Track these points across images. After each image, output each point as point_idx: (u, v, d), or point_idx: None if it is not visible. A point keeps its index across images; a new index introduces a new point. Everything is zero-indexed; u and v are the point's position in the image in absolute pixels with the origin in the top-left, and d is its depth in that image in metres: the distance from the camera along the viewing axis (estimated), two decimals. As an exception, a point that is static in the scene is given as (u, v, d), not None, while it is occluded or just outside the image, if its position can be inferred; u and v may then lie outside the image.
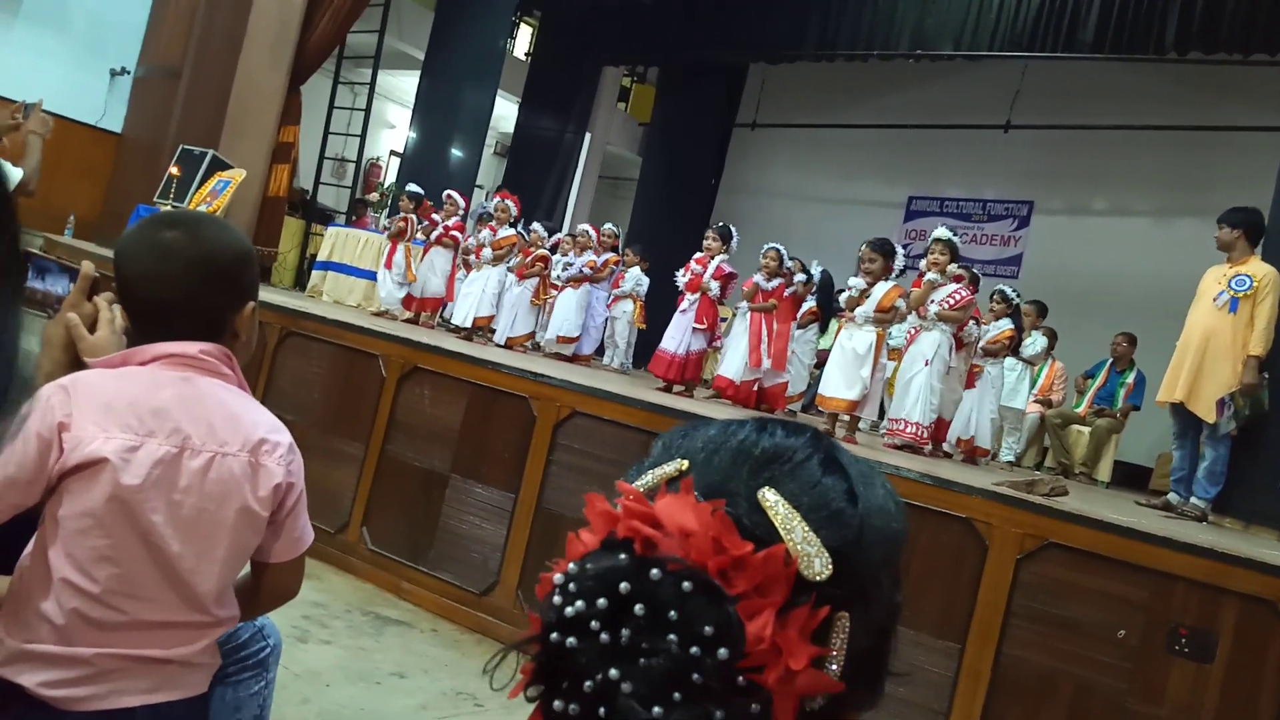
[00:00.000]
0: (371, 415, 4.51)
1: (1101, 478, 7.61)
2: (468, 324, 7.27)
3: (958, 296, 5.39)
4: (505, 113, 12.51)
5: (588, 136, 13.12)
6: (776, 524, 0.55)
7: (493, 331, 7.48)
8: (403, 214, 7.72)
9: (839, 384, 5.03)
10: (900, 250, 5.35)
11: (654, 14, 11.33)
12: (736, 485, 0.58)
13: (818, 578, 0.55)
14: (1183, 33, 8.37)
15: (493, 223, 7.62)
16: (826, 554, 0.55)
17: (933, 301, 5.41)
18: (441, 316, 7.99)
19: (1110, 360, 8.12)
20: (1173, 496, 5.13)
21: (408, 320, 7.40)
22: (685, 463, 0.60)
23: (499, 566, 4.06)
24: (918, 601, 3.28)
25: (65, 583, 1.31)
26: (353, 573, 4.37)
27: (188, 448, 1.37)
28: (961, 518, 3.33)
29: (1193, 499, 4.99)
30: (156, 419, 1.36)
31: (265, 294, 5.23)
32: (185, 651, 1.40)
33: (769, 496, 0.57)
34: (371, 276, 7.92)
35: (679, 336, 6.42)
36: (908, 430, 5.20)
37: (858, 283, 5.23)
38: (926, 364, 5.27)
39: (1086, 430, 7.75)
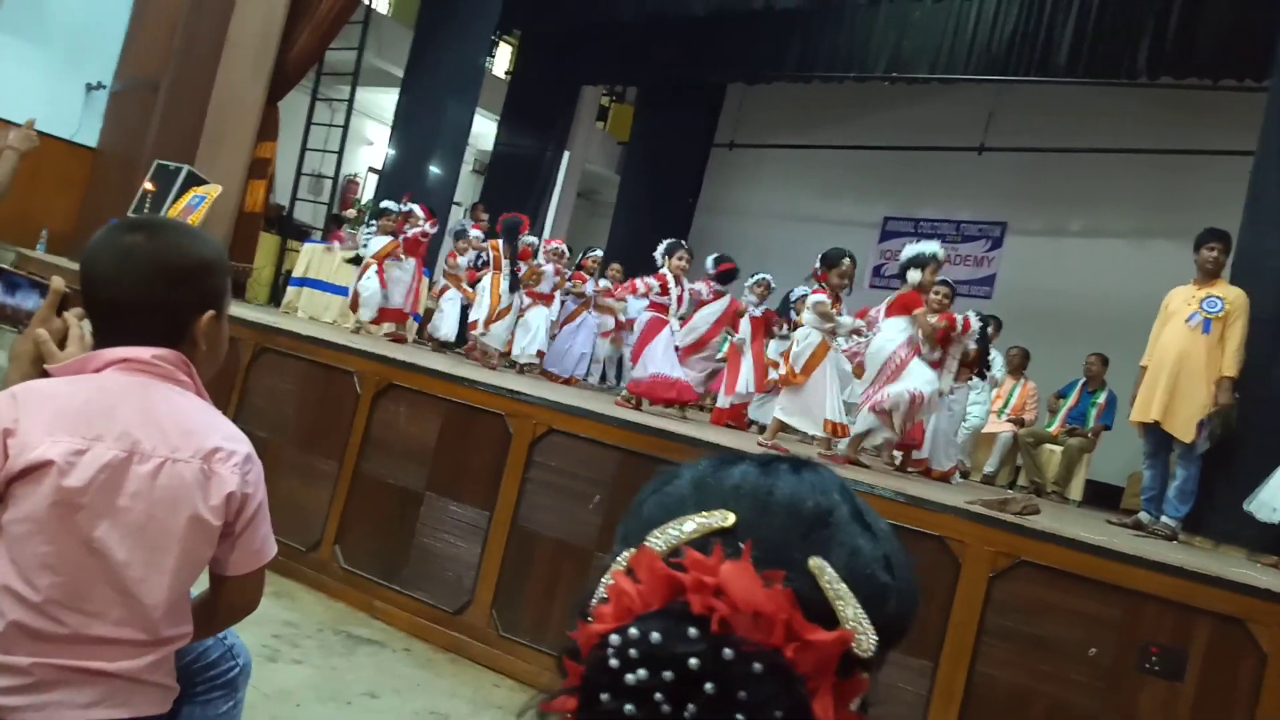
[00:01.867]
0: (346, 432, 4.48)
1: (1073, 496, 7.67)
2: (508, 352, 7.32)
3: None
4: (484, 130, 12.52)
5: (566, 155, 13.16)
6: (832, 602, 0.57)
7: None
8: (383, 231, 7.70)
9: (838, 408, 5.05)
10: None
11: (633, 34, 11.40)
12: (791, 552, 0.58)
13: (865, 655, 0.56)
14: (1155, 58, 8.55)
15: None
16: (874, 631, 0.57)
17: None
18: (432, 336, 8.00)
19: (1083, 380, 8.20)
20: (1144, 515, 5.18)
21: (389, 335, 7.40)
22: (732, 517, 0.59)
23: (473, 585, 4.03)
24: (892, 620, 3.28)
25: (7, 590, 1.29)
26: (325, 591, 4.32)
27: (137, 452, 1.34)
28: (934, 536, 3.35)
29: (1164, 518, 5.03)
30: (106, 423, 1.33)
31: (241, 310, 5.20)
32: (130, 666, 1.35)
33: (827, 572, 0.58)
34: (346, 292, 7.88)
35: None
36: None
37: (805, 291, 5.45)
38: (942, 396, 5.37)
39: (1059, 449, 7.82)
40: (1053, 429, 8.09)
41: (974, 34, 9.57)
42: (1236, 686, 2.86)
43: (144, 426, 1.36)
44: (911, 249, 5.55)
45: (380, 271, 7.55)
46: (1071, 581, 3.15)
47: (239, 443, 1.44)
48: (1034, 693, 3.12)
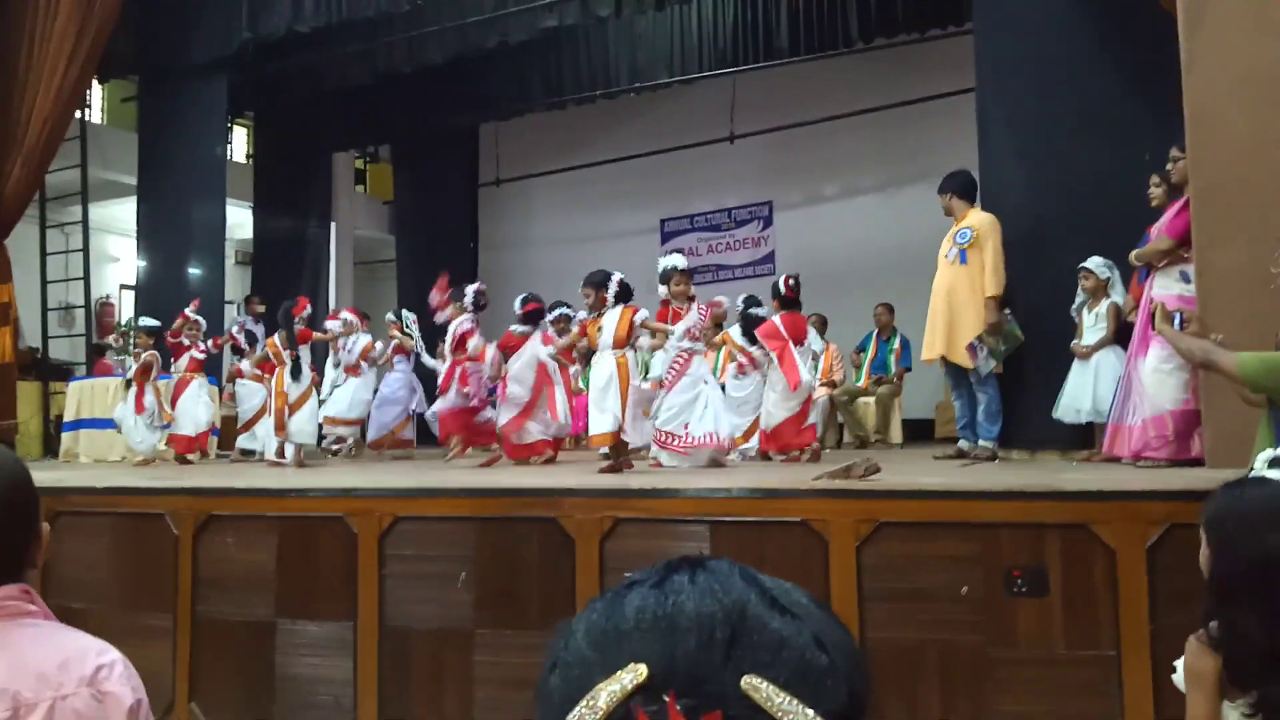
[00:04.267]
0: (172, 579, 4.11)
1: (895, 440, 8.13)
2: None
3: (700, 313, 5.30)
4: (240, 220, 11.90)
5: (333, 226, 12.72)
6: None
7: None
8: (141, 351, 7.10)
9: (595, 420, 5.15)
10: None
11: (373, 94, 11.15)
12: (718, 682, 0.51)
13: None
14: (864, 24, 9.44)
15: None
16: None
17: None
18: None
19: (875, 331, 8.72)
20: (963, 443, 5.54)
21: (182, 463, 6.86)
22: (644, 669, 0.52)
23: (354, 702, 3.79)
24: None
25: None
26: (193, 756, 3.96)
27: (21, 705, 1.25)
28: (797, 521, 3.44)
29: (980, 441, 5.40)
30: None
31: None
32: None
33: (763, 689, 0.51)
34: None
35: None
36: (708, 440, 5.13)
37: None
38: (706, 384, 5.26)
39: (871, 400, 8.28)
40: (861, 383, 8.55)
41: (699, 33, 10.17)
42: (1095, 585, 3.10)
43: (18, 676, 1.27)
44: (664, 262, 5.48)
45: (140, 398, 6.93)
46: (929, 530, 3.32)
47: (110, 653, 1.37)
48: (924, 643, 3.26)
